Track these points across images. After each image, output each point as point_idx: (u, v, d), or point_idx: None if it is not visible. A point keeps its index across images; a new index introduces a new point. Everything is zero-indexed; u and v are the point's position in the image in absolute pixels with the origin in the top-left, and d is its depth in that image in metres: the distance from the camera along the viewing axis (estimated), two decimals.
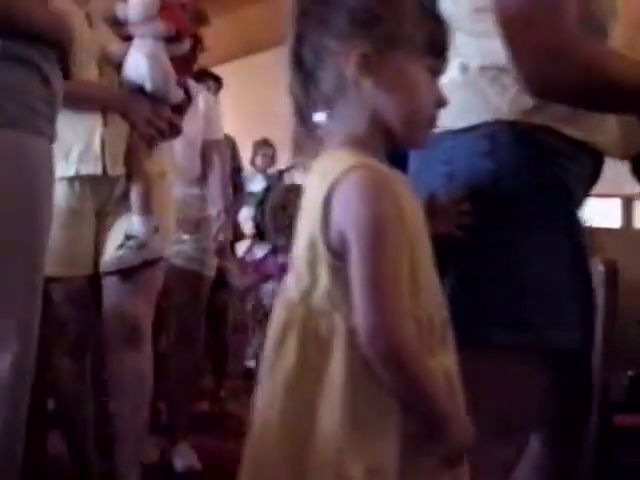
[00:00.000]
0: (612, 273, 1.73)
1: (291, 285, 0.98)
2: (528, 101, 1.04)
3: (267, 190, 4.05)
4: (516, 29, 0.97)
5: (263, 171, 5.06)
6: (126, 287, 2.16)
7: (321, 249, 0.91)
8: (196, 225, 2.99)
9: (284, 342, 0.94)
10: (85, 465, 2.25)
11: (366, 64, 0.93)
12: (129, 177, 2.14)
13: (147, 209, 2.16)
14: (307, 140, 1.00)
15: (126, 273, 2.15)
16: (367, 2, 0.95)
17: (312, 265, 0.93)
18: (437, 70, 0.99)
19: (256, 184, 4.87)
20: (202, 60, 3.66)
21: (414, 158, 1.19)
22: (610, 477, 1.82)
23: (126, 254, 2.14)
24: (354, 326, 0.90)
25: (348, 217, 0.89)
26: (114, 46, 2.09)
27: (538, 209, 1.07)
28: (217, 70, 6.11)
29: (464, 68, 1.10)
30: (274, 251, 2.71)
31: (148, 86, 2.09)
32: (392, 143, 0.99)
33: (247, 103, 5.90)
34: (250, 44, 6.93)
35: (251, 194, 4.68)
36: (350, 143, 0.95)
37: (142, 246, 2.14)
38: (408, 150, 1.17)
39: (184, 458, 2.80)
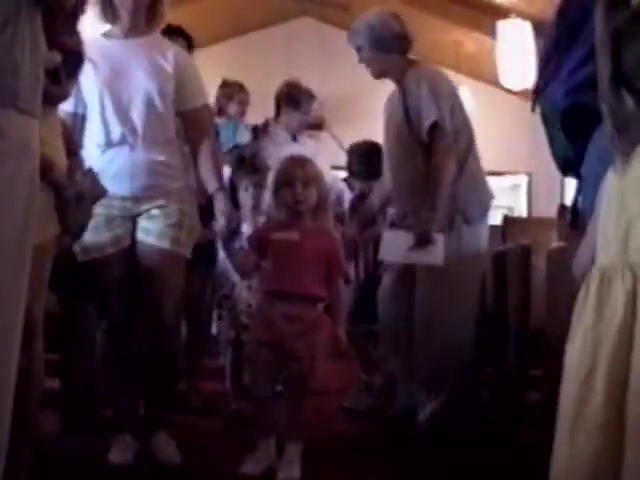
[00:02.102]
0: None
1: None
2: None
3: (255, 153, 3.45)
4: None
5: (237, 122, 4.24)
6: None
7: None
8: (165, 196, 2.55)
9: None
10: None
11: None
12: None
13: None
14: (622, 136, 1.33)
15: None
16: None
17: None
18: None
19: (239, 136, 4.12)
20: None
21: None
22: None
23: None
24: None
25: None
26: None
27: None
28: (207, 50, 6.07)
29: None
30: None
31: None
32: None
33: None
34: (240, 24, 6.86)
35: (233, 149, 3.85)
36: None
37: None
38: None
39: (164, 450, 2.54)
